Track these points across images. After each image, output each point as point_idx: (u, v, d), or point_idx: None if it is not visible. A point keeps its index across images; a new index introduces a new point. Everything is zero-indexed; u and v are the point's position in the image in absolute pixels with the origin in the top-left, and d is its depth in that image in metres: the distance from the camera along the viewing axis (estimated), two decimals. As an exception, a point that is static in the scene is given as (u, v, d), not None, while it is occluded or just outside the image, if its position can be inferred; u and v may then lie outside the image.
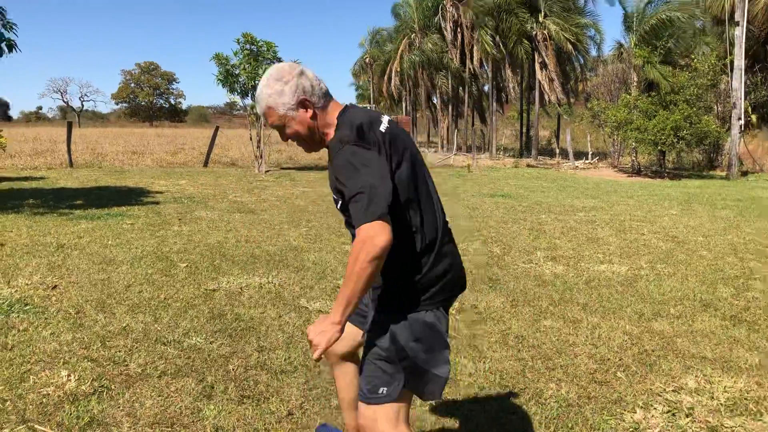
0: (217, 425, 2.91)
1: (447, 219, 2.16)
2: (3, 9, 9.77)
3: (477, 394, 3.32)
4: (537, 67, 30.88)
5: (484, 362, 3.74)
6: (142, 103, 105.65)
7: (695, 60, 24.05)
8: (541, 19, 29.91)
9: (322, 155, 28.42)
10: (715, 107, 24.38)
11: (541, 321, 4.57)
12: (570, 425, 3.00)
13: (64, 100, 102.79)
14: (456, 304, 4.89)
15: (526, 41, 30.94)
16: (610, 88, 26.71)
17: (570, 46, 29.73)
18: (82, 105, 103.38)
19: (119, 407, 3.06)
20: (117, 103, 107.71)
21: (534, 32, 30.00)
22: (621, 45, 28.85)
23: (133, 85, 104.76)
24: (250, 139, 20.02)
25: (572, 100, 37.37)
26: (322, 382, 3.40)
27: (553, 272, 6.13)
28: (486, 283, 5.63)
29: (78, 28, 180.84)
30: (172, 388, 3.29)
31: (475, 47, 33.31)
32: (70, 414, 2.97)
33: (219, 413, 3.02)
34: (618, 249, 7.44)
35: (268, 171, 19.12)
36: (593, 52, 33.32)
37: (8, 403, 3.05)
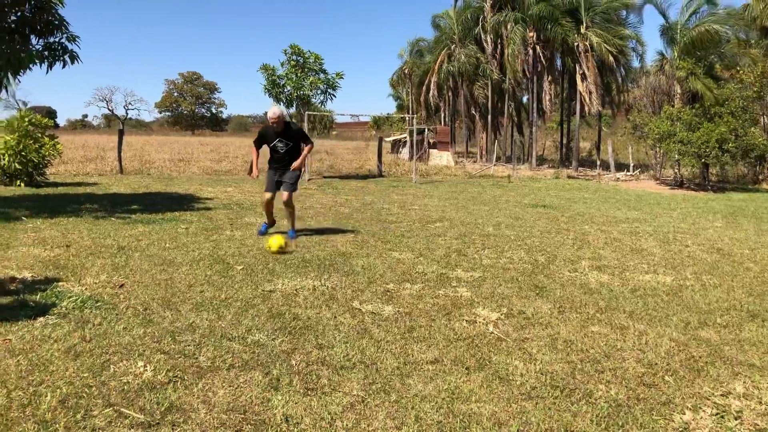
0: (286, 413, 3.12)
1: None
2: (66, 22, 10.23)
3: (529, 392, 3.46)
4: (578, 78, 30.76)
5: (534, 364, 3.89)
6: (185, 112, 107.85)
7: (741, 71, 23.74)
8: (582, 30, 29.80)
9: (362, 165, 28.66)
10: (762, 119, 23.99)
11: (589, 327, 4.69)
12: (620, 423, 3.13)
13: (109, 109, 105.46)
14: (504, 310, 5.04)
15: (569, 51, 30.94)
16: (653, 99, 26.50)
17: (611, 59, 29.52)
18: (126, 113, 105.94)
19: (194, 395, 3.29)
20: (160, 112, 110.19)
21: (576, 43, 29.88)
22: (663, 56, 28.47)
23: (176, 94, 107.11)
24: (293, 147, 20.39)
25: (614, 111, 37.09)
26: (380, 378, 3.59)
27: (599, 281, 6.23)
28: (533, 290, 5.76)
29: (124, 38, 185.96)
30: (241, 379, 3.51)
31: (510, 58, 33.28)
32: (151, 400, 3.21)
33: (287, 403, 3.23)
34: (663, 260, 7.48)
35: (310, 179, 19.46)
36: (635, 63, 33.06)
37: (94, 388, 3.31)
